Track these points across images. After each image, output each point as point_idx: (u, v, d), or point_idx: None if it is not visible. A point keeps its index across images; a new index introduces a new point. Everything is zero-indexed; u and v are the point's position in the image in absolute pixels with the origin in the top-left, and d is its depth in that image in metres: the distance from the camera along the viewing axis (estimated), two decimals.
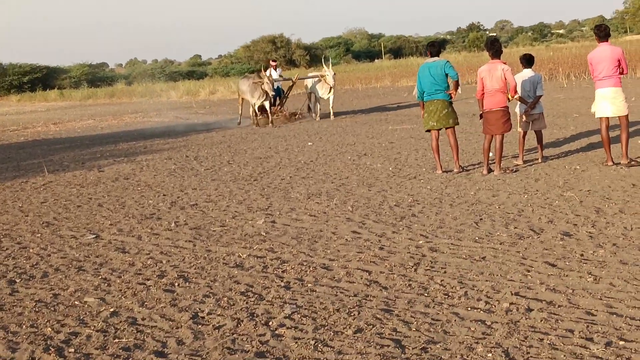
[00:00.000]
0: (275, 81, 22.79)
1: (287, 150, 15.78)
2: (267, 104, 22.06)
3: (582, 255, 6.50)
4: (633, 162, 10.62)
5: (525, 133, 11.77)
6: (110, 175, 13.72)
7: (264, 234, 8.24)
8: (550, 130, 14.69)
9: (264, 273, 6.72)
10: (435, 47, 11.65)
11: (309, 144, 16.63)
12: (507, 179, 10.42)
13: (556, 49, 63.24)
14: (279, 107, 23.89)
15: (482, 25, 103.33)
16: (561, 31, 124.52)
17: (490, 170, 10.98)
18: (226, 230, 8.57)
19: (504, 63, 10.74)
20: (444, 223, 8.13)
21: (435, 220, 8.28)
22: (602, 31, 10.63)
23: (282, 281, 6.43)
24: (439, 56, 11.55)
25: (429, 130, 11.55)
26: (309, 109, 24.22)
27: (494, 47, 10.80)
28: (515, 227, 7.68)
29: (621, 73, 10.62)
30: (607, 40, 10.65)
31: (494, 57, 10.78)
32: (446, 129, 11.36)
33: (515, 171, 10.95)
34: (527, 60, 11.75)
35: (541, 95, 11.52)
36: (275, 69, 24.20)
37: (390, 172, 11.90)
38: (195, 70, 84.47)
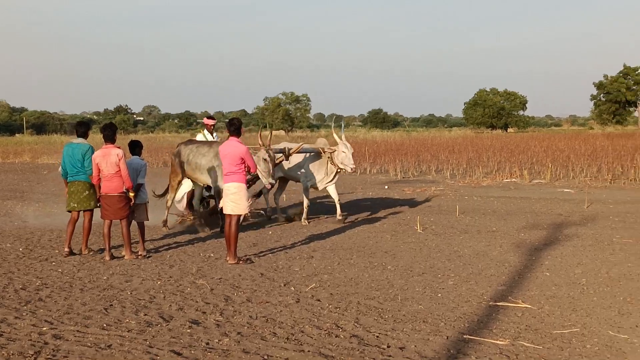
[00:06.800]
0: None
1: None
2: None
3: (207, 343, 6.58)
4: (241, 262, 10.52)
5: (129, 223, 10.99)
6: None
7: None
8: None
9: None
10: (82, 127, 11.36)
11: None
12: (142, 265, 10.35)
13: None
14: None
15: (129, 108, 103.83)
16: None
17: (113, 257, 10.84)
18: None
19: (118, 147, 10.76)
20: (72, 308, 7.80)
21: (62, 306, 7.92)
22: (231, 126, 10.69)
23: None
24: (85, 137, 11.25)
25: (70, 211, 11.15)
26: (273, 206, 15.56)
27: (105, 132, 10.79)
28: (146, 314, 7.60)
29: (248, 172, 10.69)
30: (236, 135, 10.66)
31: (107, 142, 10.75)
32: (85, 211, 11.07)
33: (149, 257, 10.95)
34: (133, 147, 11.63)
35: (142, 184, 11.23)
36: (212, 132, 15.56)
37: (21, 252, 11.26)
38: None
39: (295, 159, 14.44)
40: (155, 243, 12.21)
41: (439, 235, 12.93)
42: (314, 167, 14.56)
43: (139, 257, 10.92)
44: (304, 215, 14.57)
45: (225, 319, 7.47)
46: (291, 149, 13.95)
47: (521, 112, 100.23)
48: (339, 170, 14.40)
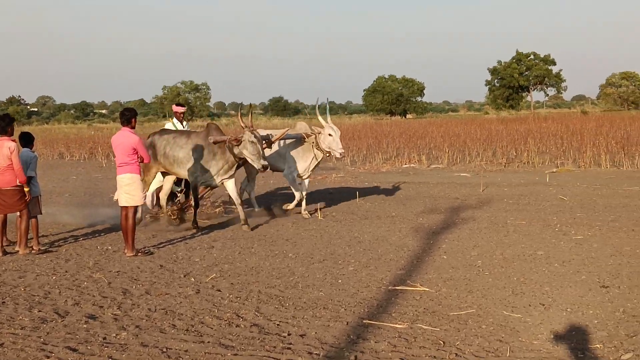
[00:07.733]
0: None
1: None
2: (230, 184, 12.56)
3: (104, 338, 6.44)
4: (139, 254, 10.33)
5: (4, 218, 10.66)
6: None
7: None
8: (82, 210, 14.62)
9: None
10: None
11: None
12: (37, 260, 10.05)
13: (98, 128, 64.18)
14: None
15: (22, 99, 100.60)
16: (104, 111, 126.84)
17: (5, 252, 10.50)
18: None
19: (14, 141, 10.42)
20: None
21: None
22: (123, 117, 10.48)
23: None
24: None
25: None
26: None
27: (1, 124, 10.43)
28: (40, 310, 7.38)
29: (142, 161, 10.51)
30: (128, 126, 10.41)
31: (1, 134, 10.40)
32: None
33: (47, 252, 10.64)
34: (25, 139, 11.27)
35: (33, 177, 10.88)
36: (182, 120, 14.10)
37: None
38: None
39: (273, 146, 13.24)
40: (50, 237, 11.88)
41: (340, 222, 13.03)
42: (297, 154, 13.50)
43: (33, 252, 10.60)
44: (303, 207, 13.70)
45: (123, 312, 7.33)
46: (274, 135, 13.10)
47: (419, 99, 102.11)
48: (327, 155, 13.59)
